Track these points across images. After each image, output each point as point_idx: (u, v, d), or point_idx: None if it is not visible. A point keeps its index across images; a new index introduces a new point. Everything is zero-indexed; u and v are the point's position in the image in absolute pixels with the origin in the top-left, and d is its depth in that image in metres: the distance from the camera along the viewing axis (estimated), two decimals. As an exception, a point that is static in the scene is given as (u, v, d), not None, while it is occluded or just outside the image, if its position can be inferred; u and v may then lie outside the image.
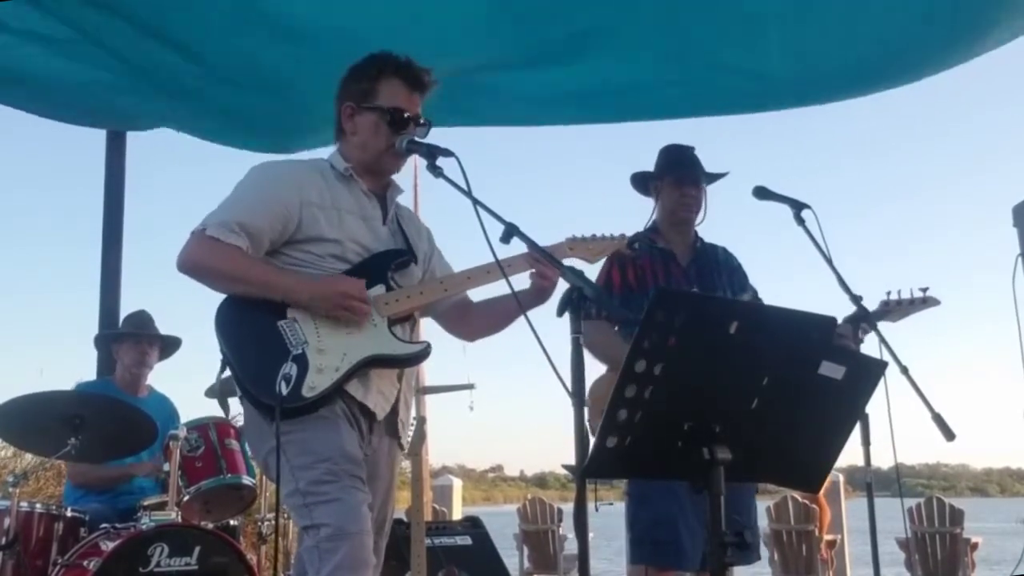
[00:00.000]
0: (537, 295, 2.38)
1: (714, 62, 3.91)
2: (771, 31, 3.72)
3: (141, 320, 4.24)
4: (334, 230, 2.34)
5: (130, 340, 4.14)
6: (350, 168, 2.42)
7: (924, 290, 3.04)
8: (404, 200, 2.61)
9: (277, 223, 2.31)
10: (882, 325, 3.02)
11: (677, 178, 3.27)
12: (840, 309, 2.87)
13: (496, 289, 2.50)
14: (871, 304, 3.04)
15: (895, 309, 3.05)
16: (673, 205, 3.28)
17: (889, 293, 3.05)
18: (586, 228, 2.54)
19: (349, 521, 2.12)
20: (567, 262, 2.33)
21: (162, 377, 4.31)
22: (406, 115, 2.40)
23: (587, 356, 1.88)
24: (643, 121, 4.55)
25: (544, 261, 2.31)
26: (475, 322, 2.62)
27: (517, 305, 2.35)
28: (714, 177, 3.33)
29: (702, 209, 3.32)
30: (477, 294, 2.58)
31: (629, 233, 2.61)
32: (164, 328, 4.24)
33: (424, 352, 2.38)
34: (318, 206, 2.33)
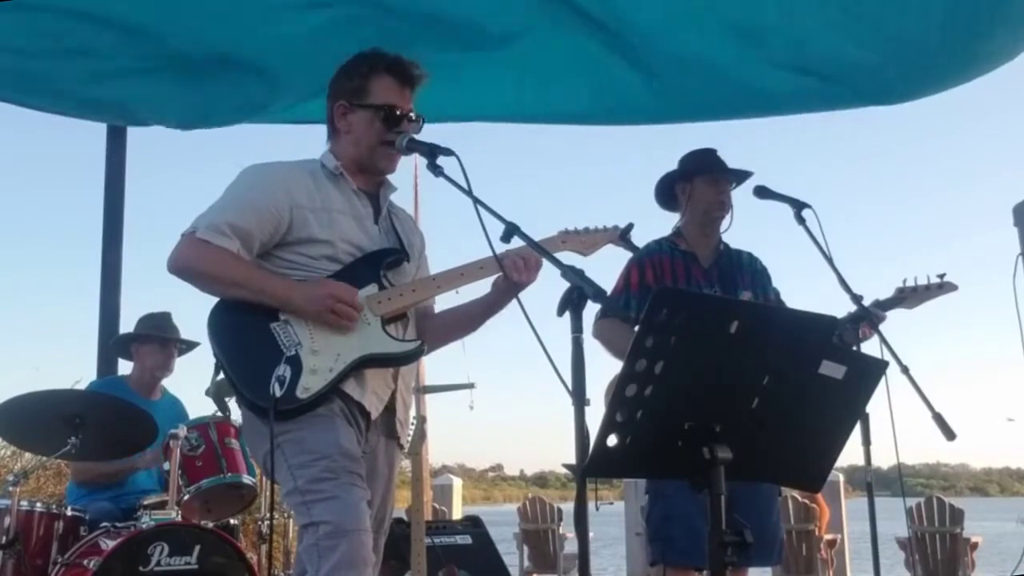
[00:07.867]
0: (511, 288, 2.36)
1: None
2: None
3: (167, 323, 4.17)
4: (325, 231, 2.33)
5: (155, 343, 4.08)
6: (340, 167, 2.42)
7: (941, 276, 3.03)
8: (405, 200, 2.61)
9: (267, 225, 2.30)
10: (891, 317, 3.01)
11: (713, 176, 3.22)
12: (840, 309, 2.88)
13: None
14: (887, 292, 3.04)
15: (911, 296, 3.03)
16: (707, 204, 3.22)
17: (905, 280, 3.04)
18: (581, 223, 2.53)
19: (348, 519, 2.11)
20: (561, 256, 2.32)
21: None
22: (399, 111, 2.41)
23: (588, 355, 1.87)
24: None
25: (525, 258, 2.31)
26: (431, 333, 2.55)
27: (479, 311, 2.44)
28: (740, 176, 3.26)
29: (730, 212, 3.27)
30: (473, 290, 2.57)
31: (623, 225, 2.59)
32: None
33: (418, 350, 2.37)
34: (308, 208, 2.33)
